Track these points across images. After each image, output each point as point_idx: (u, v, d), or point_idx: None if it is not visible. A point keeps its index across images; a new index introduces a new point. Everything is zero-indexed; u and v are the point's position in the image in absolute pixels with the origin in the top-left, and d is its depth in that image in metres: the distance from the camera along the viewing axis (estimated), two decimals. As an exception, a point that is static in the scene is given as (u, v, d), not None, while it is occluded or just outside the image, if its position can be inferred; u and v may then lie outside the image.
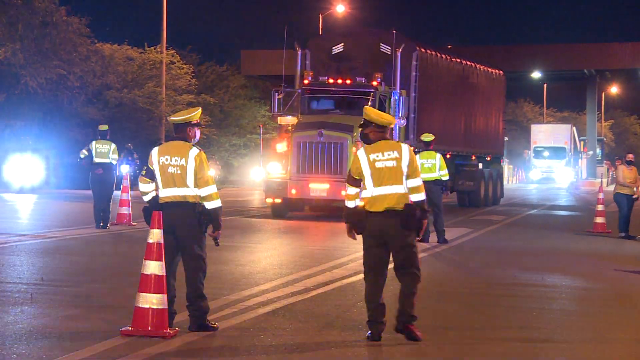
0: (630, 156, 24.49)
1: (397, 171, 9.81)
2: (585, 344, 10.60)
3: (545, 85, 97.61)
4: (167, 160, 10.06)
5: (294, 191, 26.68)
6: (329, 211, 29.28)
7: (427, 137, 21.52)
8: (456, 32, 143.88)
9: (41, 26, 43.18)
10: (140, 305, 9.53)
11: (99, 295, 12.30)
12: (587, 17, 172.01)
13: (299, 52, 29.56)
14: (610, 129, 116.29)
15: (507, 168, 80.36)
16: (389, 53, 28.76)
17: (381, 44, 29.23)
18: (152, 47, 49.59)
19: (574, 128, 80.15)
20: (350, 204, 10.06)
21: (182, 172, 10.02)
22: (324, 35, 31.02)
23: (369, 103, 26.68)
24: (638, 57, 73.95)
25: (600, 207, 26.50)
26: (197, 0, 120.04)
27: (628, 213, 24.37)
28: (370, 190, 9.86)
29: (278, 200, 26.95)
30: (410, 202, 9.85)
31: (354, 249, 18.11)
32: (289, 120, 27.61)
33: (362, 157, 9.91)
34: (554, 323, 11.70)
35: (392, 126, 10.10)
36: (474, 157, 36.12)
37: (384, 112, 24.80)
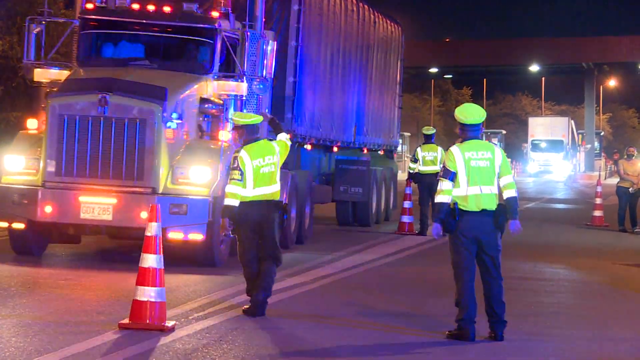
0: (632, 150, 24.50)
1: (490, 172, 9.81)
2: (583, 338, 10.59)
3: (543, 78, 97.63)
4: (260, 162, 10.59)
5: (49, 208, 14.14)
6: (117, 241, 16.74)
7: (429, 130, 21.82)
8: (453, 25, 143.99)
9: (39, 19, 43.16)
10: (138, 298, 9.53)
11: (97, 288, 12.28)
12: (586, 10, 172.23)
13: None
14: (608, 122, 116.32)
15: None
16: None
17: None
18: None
19: (572, 121, 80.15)
20: (444, 198, 9.79)
21: (275, 169, 10.67)
22: None
23: (208, 50, 15.55)
24: (636, 50, 74.01)
25: (598, 200, 26.50)
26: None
27: (625, 207, 24.36)
28: (464, 189, 9.78)
29: (19, 226, 14.43)
30: (502, 203, 9.85)
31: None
32: (55, 74, 15.74)
33: (457, 154, 9.82)
34: (552, 317, 11.70)
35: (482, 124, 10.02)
36: (365, 150, 24.03)
37: (231, 65, 15.58)
